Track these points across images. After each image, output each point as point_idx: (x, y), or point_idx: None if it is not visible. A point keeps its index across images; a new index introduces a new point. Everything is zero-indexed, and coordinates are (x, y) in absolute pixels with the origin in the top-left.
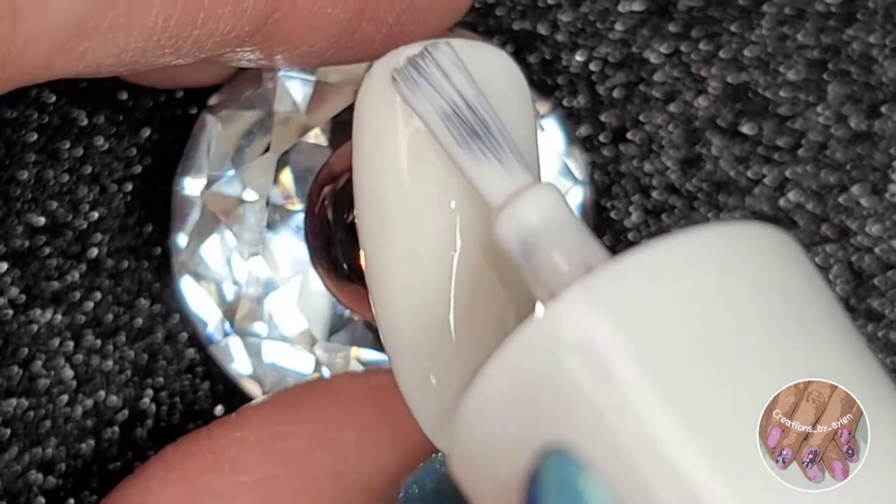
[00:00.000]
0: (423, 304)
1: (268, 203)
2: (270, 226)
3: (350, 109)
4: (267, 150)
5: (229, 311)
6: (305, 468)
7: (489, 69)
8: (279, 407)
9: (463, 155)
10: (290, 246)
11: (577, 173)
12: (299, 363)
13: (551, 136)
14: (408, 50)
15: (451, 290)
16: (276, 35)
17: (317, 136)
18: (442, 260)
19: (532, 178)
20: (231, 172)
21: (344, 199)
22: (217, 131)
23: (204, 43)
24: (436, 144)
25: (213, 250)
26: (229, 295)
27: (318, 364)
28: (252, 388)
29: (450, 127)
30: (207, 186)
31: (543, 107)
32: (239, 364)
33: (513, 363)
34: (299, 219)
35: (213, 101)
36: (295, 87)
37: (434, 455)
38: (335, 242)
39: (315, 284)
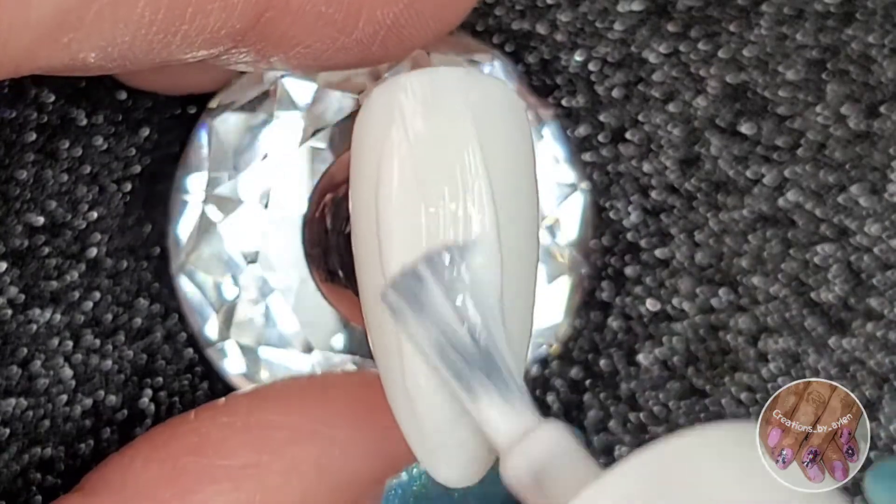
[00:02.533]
0: None
1: (267, 206)
2: (269, 229)
3: (352, 116)
4: (267, 153)
5: (227, 312)
6: (289, 458)
7: (489, 100)
8: (269, 396)
9: (465, 392)
10: (289, 249)
11: (576, 179)
12: (296, 366)
13: (551, 143)
14: (410, 76)
15: None
16: (269, 35)
17: (317, 141)
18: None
19: (537, 417)
20: (231, 174)
21: (344, 208)
22: (218, 133)
23: (194, 39)
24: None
25: (212, 252)
26: (227, 296)
27: (313, 368)
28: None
29: (450, 357)
30: (207, 188)
31: (546, 112)
32: (235, 365)
33: None
34: (298, 223)
35: (214, 102)
36: (296, 91)
37: None
38: (332, 251)
39: (313, 289)
